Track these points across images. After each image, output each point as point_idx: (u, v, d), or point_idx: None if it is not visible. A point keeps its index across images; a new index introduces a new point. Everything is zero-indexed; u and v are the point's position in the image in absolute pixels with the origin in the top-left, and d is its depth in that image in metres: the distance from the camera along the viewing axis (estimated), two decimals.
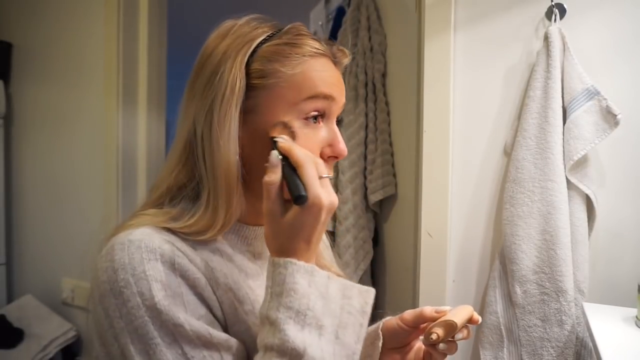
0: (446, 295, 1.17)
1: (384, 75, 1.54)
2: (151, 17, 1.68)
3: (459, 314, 0.60)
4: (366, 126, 1.53)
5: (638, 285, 0.88)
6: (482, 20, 1.14)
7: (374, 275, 1.58)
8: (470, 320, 0.62)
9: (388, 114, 1.53)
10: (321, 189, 0.50)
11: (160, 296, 0.49)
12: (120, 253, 0.51)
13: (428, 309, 0.63)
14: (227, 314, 0.55)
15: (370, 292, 0.54)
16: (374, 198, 1.50)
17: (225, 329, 0.55)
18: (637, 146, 1.02)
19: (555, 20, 1.04)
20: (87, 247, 1.73)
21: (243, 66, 0.56)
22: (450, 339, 0.60)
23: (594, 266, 1.04)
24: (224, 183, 0.55)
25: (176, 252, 0.53)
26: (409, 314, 0.65)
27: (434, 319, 0.62)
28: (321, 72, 0.58)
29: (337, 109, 0.61)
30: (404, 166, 1.48)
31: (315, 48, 0.59)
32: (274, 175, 0.51)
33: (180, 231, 0.55)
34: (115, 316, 0.49)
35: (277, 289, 0.49)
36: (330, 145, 0.59)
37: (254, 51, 0.57)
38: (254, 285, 0.61)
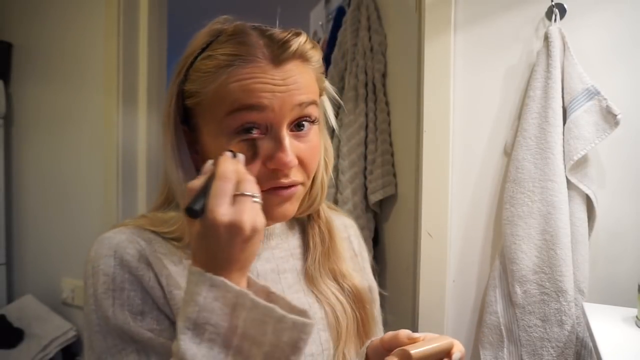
0: (446, 295, 1.17)
1: (384, 75, 1.54)
2: (151, 17, 1.68)
3: (427, 344, 0.55)
4: (366, 126, 1.53)
5: (638, 285, 0.88)
6: (482, 20, 1.14)
7: (374, 275, 1.58)
8: (447, 354, 0.55)
9: (388, 114, 1.53)
10: (225, 206, 0.46)
11: (102, 289, 0.54)
12: (93, 248, 0.57)
13: (403, 334, 0.58)
14: (176, 310, 0.56)
15: (308, 326, 0.47)
16: (374, 198, 1.49)
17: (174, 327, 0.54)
18: (637, 146, 1.02)
19: (555, 20, 1.04)
20: (87, 247, 1.74)
21: (176, 86, 0.58)
22: None
23: (594, 266, 1.04)
24: (177, 196, 0.59)
25: (129, 250, 0.56)
26: (388, 335, 0.61)
27: (404, 344, 0.56)
28: (240, 82, 0.53)
29: (280, 116, 0.54)
30: (404, 166, 1.48)
31: (231, 55, 0.54)
32: (197, 182, 0.49)
33: (163, 235, 0.59)
34: (84, 304, 0.57)
35: (186, 297, 0.48)
36: (272, 157, 0.54)
37: (189, 69, 0.58)
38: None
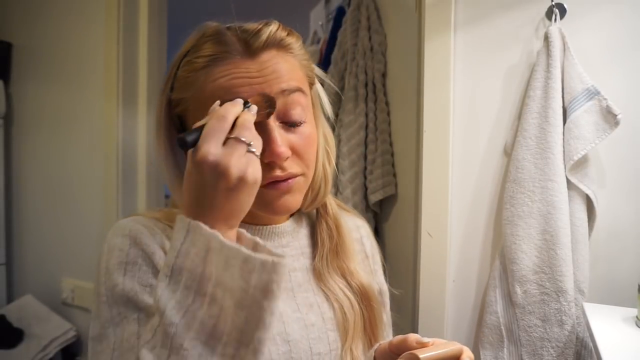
0: (446, 295, 1.17)
1: (384, 75, 1.54)
2: (151, 17, 1.68)
3: (436, 349, 0.55)
4: (366, 126, 1.53)
5: (638, 285, 0.88)
6: (482, 20, 1.14)
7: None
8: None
9: (388, 114, 1.53)
10: (214, 145, 0.45)
11: (114, 262, 0.56)
12: (110, 232, 0.59)
13: (412, 338, 0.58)
14: None
15: (278, 266, 0.43)
16: (374, 198, 1.49)
17: None
18: (637, 146, 1.02)
19: (555, 20, 1.04)
20: (87, 247, 1.75)
21: (165, 98, 0.60)
22: None
23: (594, 266, 1.04)
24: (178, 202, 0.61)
25: (144, 231, 0.58)
26: (396, 339, 0.61)
27: (412, 349, 0.56)
28: (218, 81, 0.54)
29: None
30: (404, 166, 1.48)
31: (207, 56, 0.55)
32: (200, 122, 0.49)
33: (170, 226, 0.60)
34: (95, 283, 0.57)
35: (170, 245, 0.48)
36: (264, 150, 0.53)
37: (175, 78, 0.59)
38: None
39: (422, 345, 0.57)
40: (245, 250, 0.44)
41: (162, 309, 0.44)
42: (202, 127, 0.47)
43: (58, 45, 1.80)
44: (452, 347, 0.55)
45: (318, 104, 0.66)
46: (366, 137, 1.54)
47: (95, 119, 1.70)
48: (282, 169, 0.56)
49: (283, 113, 0.56)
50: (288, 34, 0.58)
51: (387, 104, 1.53)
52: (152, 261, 0.56)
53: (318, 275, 0.67)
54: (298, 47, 0.60)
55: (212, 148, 0.45)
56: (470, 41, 1.15)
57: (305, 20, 2.24)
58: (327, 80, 0.69)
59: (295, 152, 0.57)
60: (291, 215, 0.70)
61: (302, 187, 0.61)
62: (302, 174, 0.59)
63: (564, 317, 1.00)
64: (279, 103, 0.55)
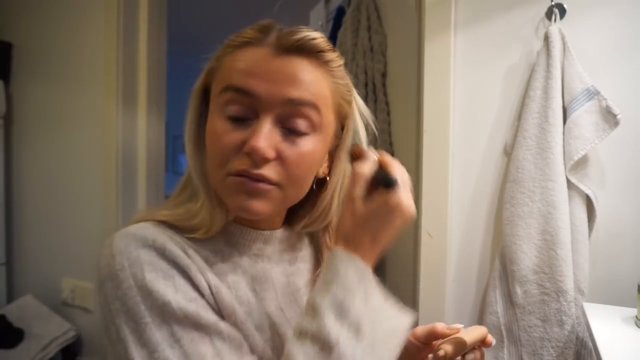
0: (446, 295, 1.17)
1: (384, 75, 1.54)
2: (151, 17, 1.68)
3: (471, 333, 0.59)
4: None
5: (638, 285, 0.88)
6: (482, 20, 1.14)
7: (374, 275, 1.58)
8: (483, 342, 0.60)
9: (388, 114, 1.53)
10: (410, 198, 0.52)
11: (150, 277, 0.50)
12: (118, 241, 0.52)
13: (440, 326, 0.61)
14: (222, 302, 0.54)
15: (409, 316, 0.53)
16: None
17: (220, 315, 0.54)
18: (637, 146, 1.02)
19: (555, 20, 1.04)
20: (87, 247, 1.75)
21: (207, 69, 0.59)
22: (460, 358, 0.59)
23: (594, 266, 1.04)
24: (200, 183, 0.58)
25: (168, 241, 0.53)
26: (420, 329, 0.63)
27: (445, 336, 0.60)
28: (238, 62, 0.53)
29: (267, 105, 0.52)
30: (404, 166, 1.48)
31: (244, 38, 0.55)
32: (367, 167, 0.54)
33: (176, 225, 0.57)
34: (112, 299, 0.50)
35: (329, 277, 0.51)
36: (246, 140, 0.52)
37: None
38: (259, 288, 0.60)
39: (454, 330, 0.60)
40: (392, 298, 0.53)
41: (334, 342, 0.47)
42: (383, 173, 0.54)
43: (58, 45, 1.80)
44: (478, 330, 0.60)
45: (347, 141, 0.61)
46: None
47: (95, 119, 1.70)
48: (256, 166, 0.52)
49: (285, 119, 0.53)
50: (331, 50, 0.57)
51: (387, 104, 1.53)
52: (188, 274, 0.52)
53: None
54: (337, 67, 0.58)
55: (411, 200, 0.52)
56: (470, 41, 1.15)
57: (305, 20, 2.24)
58: (371, 123, 0.64)
59: (281, 159, 0.53)
60: (285, 223, 0.68)
61: (275, 199, 0.55)
62: (278, 185, 0.54)
63: (564, 317, 1.00)
64: (285, 110, 0.53)
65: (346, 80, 0.60)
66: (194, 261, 0.54)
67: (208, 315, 0.51)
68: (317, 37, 0.55)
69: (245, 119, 0.53)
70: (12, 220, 1.95)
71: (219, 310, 0.53)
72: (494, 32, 1.13)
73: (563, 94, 1.03)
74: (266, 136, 0.51)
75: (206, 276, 0.54)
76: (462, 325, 0.61)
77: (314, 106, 0.54)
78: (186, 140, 0.59)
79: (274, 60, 0.53)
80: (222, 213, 0.58)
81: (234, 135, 0.53)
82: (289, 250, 0.67)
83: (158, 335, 0.48)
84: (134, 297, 0.49)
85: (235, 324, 0.54)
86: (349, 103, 0.61)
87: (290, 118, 0.53)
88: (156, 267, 0.51)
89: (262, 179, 0.53)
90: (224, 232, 0.60)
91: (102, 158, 1.67)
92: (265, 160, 0.52)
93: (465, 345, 0.57)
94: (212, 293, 0.54)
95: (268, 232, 0.64)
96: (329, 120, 0.57)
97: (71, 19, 1.77)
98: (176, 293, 0.50)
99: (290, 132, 0.54)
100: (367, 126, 0.64)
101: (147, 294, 0.49)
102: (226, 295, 0.54)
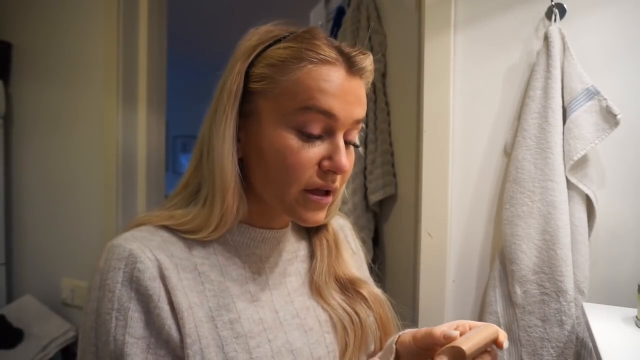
0: (446, 295, 1.17)
1: (384, 75, 1.54)
2: (151, 17, 1.68)
3: (475, 337, 0.51)
4: (366, 126, 1.53)
5: (638, 285, 0.88)
6: (482, 20, 1.14)
7: (374, 275, 1.58)
8: (495, 343, 0.52)
9: (388, 114, 1.53)
10: None
11: (105, 308, 0.51)
12: (103, 256, 0.54)
13: (437, 332, 0.54)
14: (187, 329, 0.52)
15: None
16: (374, 198, 1.49)
17: (181, 345, 0.52)
18: (637, 146, 1.02)
19: (555, 20, 1.04)
20: (86, 247, 1.75)
21: (243, 70, 0.57)
22: None
23: (594, 266, 1.04)
24: (219, 182, 0.56)
25: (144, 259, 0.52)
26: (420, 332, 0.57)
27: (441, 344, 0.53)
28: (321, 82, 0.54)
29: (341, 125, 0.56)
30: (404, 166, 1.48)
31: (321, 54, 0.55)
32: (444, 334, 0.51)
33: (176, 229, 0.57)
34: (83, 312, 0.54)
35: None
36: (330, 158, 0.56)
37: (258, 55, 0.57)
38: (254, 289, 0.61)
39: (450, 339, 0.52)
40: None
41: None
42: None
43: (58, 45, 1.80)
44: (486, 331, 0.52)
45: None
46: (366, 137, 1.54)
47: (95, 119, 1.70)
48: (334, 180, 0.58)
49: (347, 134, 0.58)
50: (372, 71, 0.60)
51: (387, 104, 1.53)
52: (147, 305, 0.52)
53: (316, 290, 0.67)
54: (369, 82, 0.62)
55: None
56: (470, 41, 1.15)
57: (305, 20, 2.24)
58: None
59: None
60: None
61: (330, 206, 0.62)
62: (337, 192, 0.61)
63: (563, 317, 1.00)
64: (351, 127, 0.57)
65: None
66: (167, 282, 0.53)
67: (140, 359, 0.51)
68: (371, 59, 0.59)
69: (316, 138, 0.56)
70: (12, 220, 1.95)
71: (181, 337, 0.53)
72: (494, 32, 1.13)
73: (563, 94, 1.03)
74: (345, 154, 0.56)
75: (176, 299, 0.53)
76: (458, 333, 0.53)
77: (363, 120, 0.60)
78: (216, 139, 0.56)
79: (347, 81, 0.56)
80: (235, 216, 0.58)
81: (310, 153, 0.55)
82: (291, 250, 0.68)
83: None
84: (91, 322, 0.52)
85: (200, 349, 0.53)
86: None
87: (350, 132, 0.58)
88: (116, 296, 0.51)
89: (335, 191, 0.59)
90: (230, 232, 0.61)
91: (102, 158, 1.68)
92: (342, 174, 0.57)
93: (463, 356, 0.49)
94: (176, 319, 0.53)
95: (280, 231, 0.65)
96: None
97: (71, 19, 1.77)
98: (123, 330, 0.51)
99: (348, 142, 0.59)
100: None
101: (99, 325, 0.52)
102: (193, 320, 0.53)
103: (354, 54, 0.57)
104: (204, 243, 0.59)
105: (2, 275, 1.92)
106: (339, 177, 0.59)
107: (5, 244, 1.93)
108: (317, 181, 0.56)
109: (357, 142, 0.61)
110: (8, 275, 1.94)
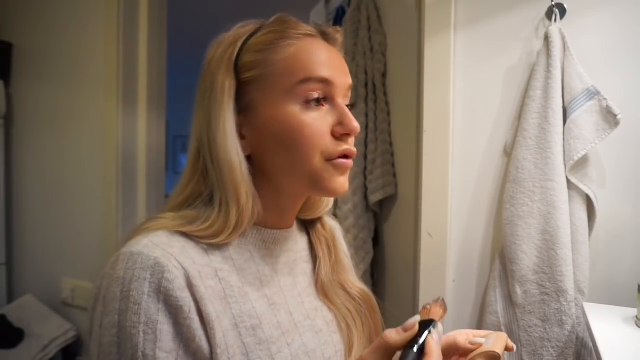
0: (446, 295, 1.17)
1: (384, 75, 1.54)
2: (151, 17, 1.68)
3: (498, 344, 0.55)
4: (366, 126, 1.53)
5: (638, 285, 0.88)
6: (483, 20, 1.14)
7: (374, 275, 1.58)
8: (506, 348, 0.57)
9: (388, 114, 1.53)
10: None
11: (130, 322, 0.48)
12: (121, 264, 0.50)
13: (462, 340, 0.57)
14: (218, 339, 0.51)
15: None
16: (374, 198, 1.49)
17: (210, 357, 0.51)
18: (637, 146, 1.02)
19: (555, 20, 1.04)
20: (87, 247, 1.75)
21: (231, 65, 0.57)
22: None
23: (594, 266, 1.04)
24: (230, 182, 0.55)
25: (171, 268, 0.49)
26: (443, 339, 0.57)
27: (466, 352, 0.57)
28: (312, 54, 0.57)
29: (339, 91, 0.58)
30: (404, 166, 1.48)
31: (302, 30, 0.58)
32: (398, 337, 0.50)
33: (194, 234, 0.55)
34: (97, 324, 0.50)
35: None
36: (340, 123, 0.58)
37: (241, 49, 0.58)
38: (270, 292, 0.60)
39: (476, 345, 0.56)
40: None
41: None
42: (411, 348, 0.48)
43: (58, 45, 1.80)
44: (500, 338, 0.57)
45: None
46: (366, 137, 1.54)
47: (96, 119, 1.70)
48: (350, 145, 0.59)
49: (342, 99, 0.60)
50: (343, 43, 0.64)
51: (387, 104, 1.53)
52: (176, 317, 0.49)
53: (321, 290, 0.67)
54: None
55: None
56: (470, 41, 1.15)
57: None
58: None
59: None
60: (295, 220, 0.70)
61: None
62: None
63: (564, 317, 1.00)
64: (345, 94, 0.60)
65: None
66: (195, 291, 0.51)
67: None
68: (342, 32, 0.63)
69: (319, 106, 0.58)
70: (12, 220, 1.95)
71: (211, 348, 0.51)
72: (494, 32, 1.13)
73: (563, 94, 1.03)
74: (353, 116, 0.58)
75: (205, 309, 0.51)
76: (484, 340, 0.57)
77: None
78: (221, 143, 0.56)
79: (332, 51, 0.59)
80: (251, 215, 0.57)
81: (322, 120, 0.57)
82: (295, 249, 0.68)
83: None
84: (112, 336, 0.48)
85: (228, 358, 0.51)
86: None
87: (345, 99, 0.60)
88: (143, 309, 0.48)
89: (353, 155, 0.59)
90: (244, 235, 0.60)
91: (102, 158, 1.68)
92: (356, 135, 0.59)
93: (499, 359, 0.54)
94: (206, 330, 0.51)
95: (288, 231, 0.65)
96: None
97: (71, 19, 1.77)
98: (155, 342, 0.48)
99: (348, 106, 0.61)
100: None
101: (124, 339, 0.48)
102: (221, 329, 0.52)
103: (325, 28, 0.61)
104: (219, 247, 0.57)
105: (3, 275, 1.92)
106: (351, 141, 0.60)
107: (5, 244, 1.93)
108: (337, 149, 0.57)
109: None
110: (8, 275, 1.94)
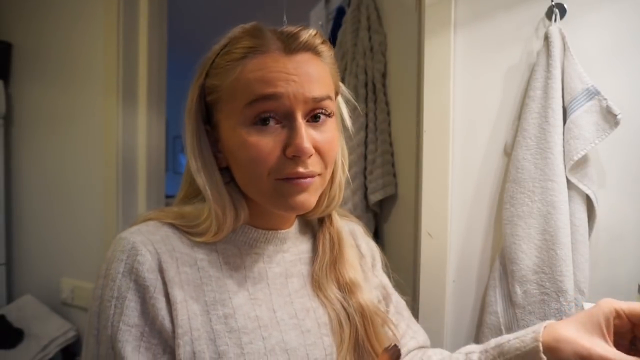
0: (446, 295, 1.17)
1: (384, 75, 1.54)
2: (151, 17, 1.68)
3: None
4: (366, 126, 1.53)
5: (638, 285, 0.88)
6: (483, 20, 1.14)
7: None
8: None
9: (388, 114, 1.53)
10: None
11: (107, 295, 0.55)
12: (111, 247, 0.58)
13: None
14: (180, 319, 0.55)
15: None
16: (374, 198, 1.49)
17: (173, 336, 0.55)
18: (637, 146, 1.02)
19: (555, 20, 1.04)
20: (86, 247, 1.75)
21: (198, 85, 0.60)
22: None
23: (595, 266, 1.04)
24: (210, 194, 0.60)
25: (145, 252, 0.55)
26: (625, 306, 0.53)
27: None
28: (256, 72, 0.55)
29: (297, 105, 0.56)
30: (404, 166, 1.48)
31: (246, 48, 0.57)
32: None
33: (184, 229, 0.60)
34: (91, 297, 0.57)
35: None
36: (290, 144, 0.56)
37: (207, 72, 0.60)
38: (253, 288, 0.61)
39: None
40: None
41: None
42: None
43: (58, 45, 1.80)
44: None
45: (339, 115, 0.68)
46: (366, 137, 1.54)
47: (95, 119, 1.70)
48: (305, 165, 0.57)
49: (309, 112, 0.58)
50: (323, 42, 0.60)
51: (387, 104, 1.53)
52: (144, 296, 0.55)
53: (316, 283, 0.68)
54: (329, 56, 0.62)
55: None
56: (470, 41, 1.15)
57: (305, 20, 2.24)
58: (347, 95, 0.70)
59: (317, 151, 0.58)
60: (297, 220, 0.71)
61: (318, 188, 0.61)
62: (320, 175, 0.60)
63: (564, 317, 1.00)
64: (308, 106, 0.57)
65: (335, 64, 0.64)
66: (165, 275, 0.56)
67: (128, 350, 0.54)
68: (313, 32, 0.59)
69: (272, 124, 0.56)
70: (12, 220, 1.95)
71: (173, 327, 0.55)
72: (494, 32, 1.13)
73: (563, 94, 1.03)
74: (305, 135, 0.56)
75: (172, 291, 0.55)
76: None
77: (329, 97, 0.59)
78: (191, 159, 0.60)
79: (286, 61, 0.56)
80: (233, 218, 0.60)
81: (270, 142, 0.56)
82: (295, 251, 0.68)
83: (95, 350, 0.55)
84: (95, 307, 0.56)
85: (191, 340, 0.55)
86: (339, 81, 0.66)
87: (313, 111, 0.58)
88: (116, 285, 0.55)
89: (311, 175, 0.58)
90: (235, 232, 0.63)
91: (102, 158, 1.68)
92: (309, 157, 0.57)
93: None
94: (170, 311, 0.55)
95: (283, 232, 0.66)
96: (335, 102, 0.64)
97: (71, 19, 1.77)
98: (119, 317, 0.54)
99: (316, 123, 0.59)
100: (348, 101, 0.70)
101: (102, 309, 0.55)
102: (186, 312, 0.56)
103: (291, 32, 0.58)
104: (213, 244, 0.61)
105: (2, 275, 1.92)
106: (314, 161, 0.58)
107: (5, 244, 1.93)
108: (286, 169, 0.57)
109: (348, 122, 0.65)
110: (8, 275, 1.94)
